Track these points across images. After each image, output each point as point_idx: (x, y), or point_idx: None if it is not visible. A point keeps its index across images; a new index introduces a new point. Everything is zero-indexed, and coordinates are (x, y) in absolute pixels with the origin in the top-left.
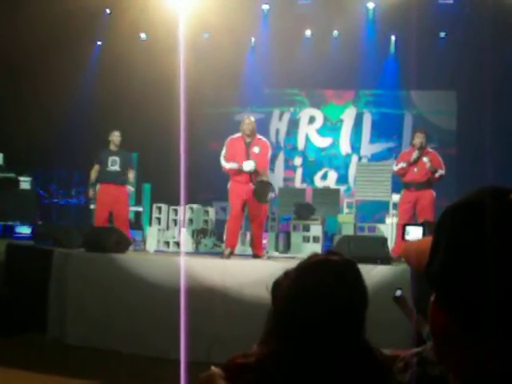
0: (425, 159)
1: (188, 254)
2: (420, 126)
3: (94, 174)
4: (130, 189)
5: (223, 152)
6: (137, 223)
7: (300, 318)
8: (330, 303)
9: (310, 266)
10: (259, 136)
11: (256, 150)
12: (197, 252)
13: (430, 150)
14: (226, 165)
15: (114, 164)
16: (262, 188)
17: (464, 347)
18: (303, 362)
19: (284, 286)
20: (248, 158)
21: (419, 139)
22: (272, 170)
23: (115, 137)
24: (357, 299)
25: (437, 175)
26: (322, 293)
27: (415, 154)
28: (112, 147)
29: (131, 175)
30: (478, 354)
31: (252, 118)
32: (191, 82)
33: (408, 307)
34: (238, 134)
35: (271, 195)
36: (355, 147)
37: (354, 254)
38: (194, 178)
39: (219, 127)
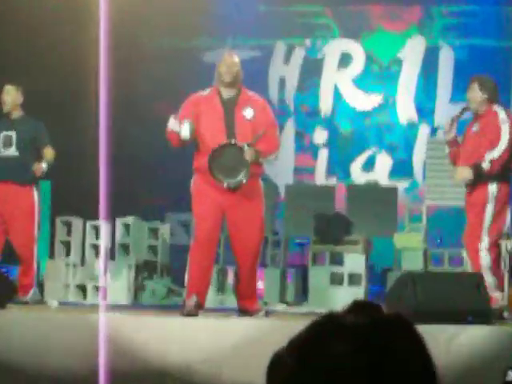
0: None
1: (121, 309)
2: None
3: None
4: (41, 166)
5: (176, 114)
6: None
7: None
8: None
9: (327, 335)
10: (248, 91)
11: (247, 113)
12: (137, 305)
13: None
14: (170, 124)
15: (7, 144)
16: (222, 155)
17: None
18: None
19: (286, 370)
20: (230, 130)
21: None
22: None
23: (10, 94)
24: None
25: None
26: None
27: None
28: (3, 113)
29: (47, 153)
30: None
31: (235, 58)
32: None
33: None
34: (208, 90)
35: (240, 177)
36: (425, 110)
37: (423, 305)
38: (129, 169)
39: (173, 76)
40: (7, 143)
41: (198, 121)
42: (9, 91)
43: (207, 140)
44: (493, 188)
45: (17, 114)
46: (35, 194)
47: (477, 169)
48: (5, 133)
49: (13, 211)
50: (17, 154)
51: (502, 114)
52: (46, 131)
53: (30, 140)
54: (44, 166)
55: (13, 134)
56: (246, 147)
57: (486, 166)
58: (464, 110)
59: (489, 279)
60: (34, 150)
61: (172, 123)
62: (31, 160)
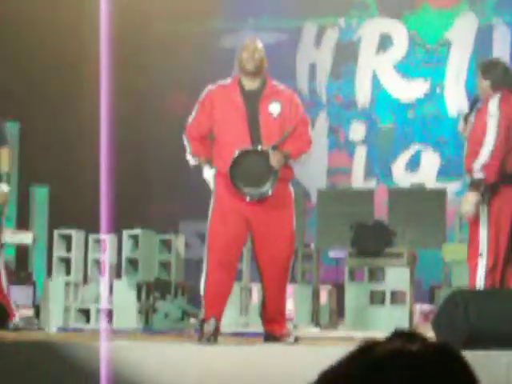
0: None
1: (129, 334)
2: None
3: None
4: (3, 188)
5: (190, 120)
6: (21, 271)
7: None
8: None
9: (365, 372)
10: (274, 82)
11: (273, 108)
12: (147, 330)
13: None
14: (188, 154)
15: None
16: (244, 163)
17: None
18: None
19: None
20: (253, 129)
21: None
22: None
23: None
24: None
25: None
26: None
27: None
28: None
29: (3, 157)
30: None
31: (258, 43)
32: None
33: None
34: (228, 80)
35: (265, 189)
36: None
37: (478, 328)
38: (137, 172)
39: (187, 64)
40: None
41: (217, 113)
42: None
43: (228, 140)
44: (470, 198)
45: None
46: None
47: (473, 186)
48: None
49: None
50: None
51: (492, 106)
52: (3, 127)
53: None
54: (5, 187)
55: None
56: (271, 151)
57: (478, 175)
58: (474, 101)
59: None
60: None
61: (189, 157)
62: None
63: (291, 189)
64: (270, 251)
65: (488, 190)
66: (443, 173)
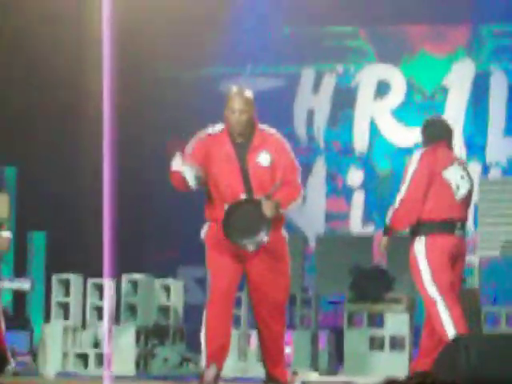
0: None
1: (127, 380)
2: None
3: None
4: (4, 235)
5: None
6: (18, 316)
7: None
8: None
9: None
10: (261, 127)
11: (263, 158)
12: (146, 376)
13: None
14: (175, 164)
15: None
16: (236, 214)
17: None
18: None
19: None
20: (245, 179)
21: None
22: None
23: None
24: None
25: None
26: None
27: None
28: None
29: (4, 207)
30: None
31: (245, 97)
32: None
33: None
34: (219, 128)
35: (259, 237)
36: (475, 146)
37: (479, 373)
38: (136, 218)
39: (187, 109)
40: None
41: (209, 165)
42: None
43: (222, 189)
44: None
45: None
46: None
47: (385, 230)
48: None
49: None
50: None
51: (414, 157)
52: (1, 172)
53: None
54: (7, 234)
55: None
56: (264, 201)
57: (388, 221)
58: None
59: None
60: None
61: (177, 163)
62: None
63: (285, 233)
64: (266, 296)
65: (410, 235)
66: None
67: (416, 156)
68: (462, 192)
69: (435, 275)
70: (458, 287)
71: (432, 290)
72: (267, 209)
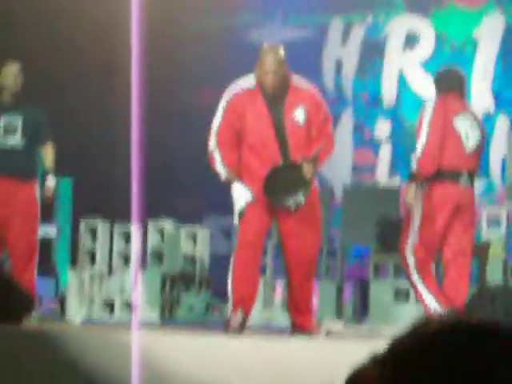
0: None
1: (152, 326)
2: None
3: None
4: (49, 183)
5: (215, 129)
6: (44, 263)
7: None
8: None
9: (435, 343)
10: (296, 80)
11: (299, 114)
12: (171, 323)
13: None
14: (219, 165)
15: (9, 132)
16: (279, 178)
17: None
18: None
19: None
20: (281, 138)
21: None
22: None
23: (11, 75)
24: None
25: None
26: None
27: None
28: (4, 96)
29: (47, 154)
30: None
31: (278, 54)
32: None
33: None
34: (251, 82)
35: (299, 198)
36: (503, 98)
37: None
38: (163, 164)
39: (216, 59)
40: (9, 131)
41: (243, 123)
42: (11, 71)
43: (256, 149)
44: (410, 191)
45: (18, 97)
46: (37, 190)
47: (411, 178)
48: (6, 118)
49: (13, 211)
50: (20, 144)
51: (428, 106)
52: (47, 122)
53: (33, 130)
54: (48, 157)
55: (16, 120)
56: (304, 164)
57: (413, 169)
58: None
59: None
60: (35, 141)
61: (219, 161)
62: (34, 153)
63: (317, 185)
64: (298, 244)
65: (423, 183)
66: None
67: (430, 104)
68: (472, 142)
69: (428, 221)
70: (463, 238)
71: (415, 238)
72: (307, 172)
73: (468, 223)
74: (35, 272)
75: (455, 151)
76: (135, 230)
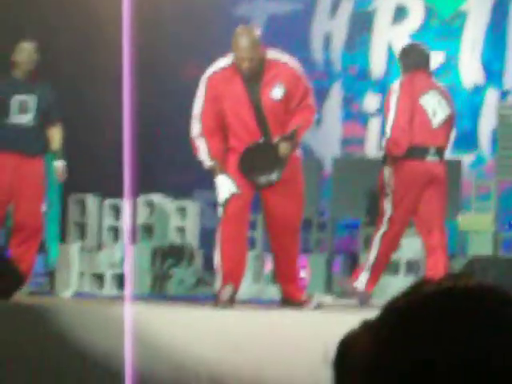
0: None
1: (143, 300)
2: None
3: None
4: (59, 165)
5: (197, 113)
6: None
7: None
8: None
9: (429, 304)
10: (274, 55)
11: (276, 92)
12: (161, 297)
13: None
14: (199, 143)
15: (23, 110)
16: (254, 156)
17: None
18: None
19: (366, 351)
20: (259, 115)
21: None
22: (317, 122)
23: (26, 53)
24: None
25: None
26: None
27: None
28: (17, 74)
29: (56, 135)
30: None
31: (253, 31)
32: None
33: None
34: (227, 62)
35: (272, 176)
36: (493, 71)
37: None
38: (152, 140)
39: (201, 34)
40: (23, 109)
41: (221, 104)
42: (26, 48)
43: (236, 127)
44: (385, 171)
45: (32, 76)
46: (44, 165)
47: (384, 159)
48: (19, 97)
49: (21, 185)
50: (32, 122)
51: (395, 85)
52: (54, 99)
53: (46, 108)
54: (56, 136)
55: (29, 99)
56: (280, 142)
57: (385, 150)
58: None
59: None
60: (45, 120)
61: (198, 139)
62: (43, 132)
63: (298, 155)
64: (281, 214)
65: (391, 163)
66: (457, 145)
67: (396, 85)
68: (439, 118)
69: (397, 196)
70: (436, 211)
71: (387, 211)
72: (283, 150)
73: (439, 196)
74: (37, 249)
75: (422, 128)
76: (125, 203)
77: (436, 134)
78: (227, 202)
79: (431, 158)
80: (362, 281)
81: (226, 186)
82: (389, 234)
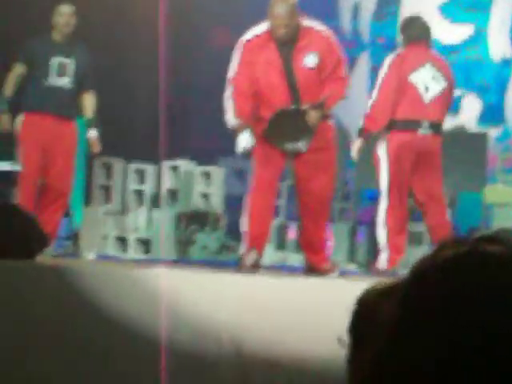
0: None
1: (168, 264)
2: None
3: (11, 86)
4: (93, 135)
5: (231, 77)
6: None
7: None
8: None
9: (447, 268)
10: (309, 24)
11: (310, 60)
12: (185, 261)
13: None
14: (228, 104)
15: (61, 73)
16: (282, 122)
17: None
18: None
19: (386, 313)
20: (291, 84)
21: None
22: None
23: (65, 16)
24: None
25: None
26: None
27: None
28: (56, 37)
29: (90, 102)
30: None
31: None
32: None
33: None
34: (263, 29)
35: (300, 144)
36: None
37: None
38: (179, 105)
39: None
40: (62, 72)
41: (255, 70)
42: (65, 11)
43: (267, 94)
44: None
45: (71, 39)
46: (77, 129)
47: (358, 133)
48: (58, 59)
49: (54, 147)
50: (69, 85)
51: (385, 63)
52: (90, 64)
53: (83, 73)
54: (89, 102)
55: (68, 62)
56: (309, 110)
57: (361, 124)
58: None
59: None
60: (83, 85)
61: (231, 118)
62: (78, 96)
63: (332, 124)
64: (309, 187)
65: (372, 137)
66: (484, 118)
67: (386, 61)
68: (433, 93)
69: (391, 168)
70: (432, 184)
71: (384, 183)
72: (312, 118)
73: (434, 169)
74: (64, 212)
75: (413, 103)
76: (149, 168)
77: (429, 109)
78: (258, 164)
79: (423, 131)
80: (382, 260)
81: (244, 139)
82: (391, 207)
